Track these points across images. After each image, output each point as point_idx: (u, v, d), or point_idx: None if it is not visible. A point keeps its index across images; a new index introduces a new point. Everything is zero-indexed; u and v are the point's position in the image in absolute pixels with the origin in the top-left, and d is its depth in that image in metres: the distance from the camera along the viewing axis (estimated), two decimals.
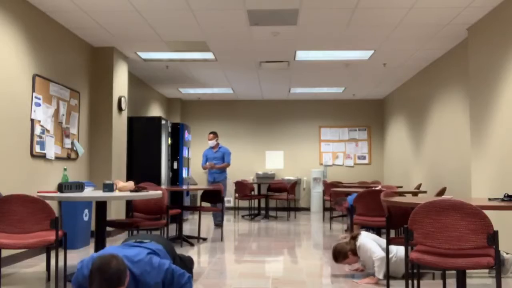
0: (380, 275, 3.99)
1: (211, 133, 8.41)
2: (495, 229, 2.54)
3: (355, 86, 10.11)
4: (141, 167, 8.06)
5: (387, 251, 3.76)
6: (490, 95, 5.36)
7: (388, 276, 3.71)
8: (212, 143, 8.34)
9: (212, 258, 5.20)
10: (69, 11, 5.44)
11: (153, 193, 4.21)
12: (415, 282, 3.52)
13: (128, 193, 4.11)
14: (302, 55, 7.40)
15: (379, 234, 5.46)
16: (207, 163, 8.32)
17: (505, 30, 5.01)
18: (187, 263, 3.90)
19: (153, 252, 3.10)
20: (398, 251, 4.13)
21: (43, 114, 5.42)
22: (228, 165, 8.35)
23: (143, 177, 7.73)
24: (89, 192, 4.38)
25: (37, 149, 5.27)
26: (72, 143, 6.19)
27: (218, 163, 8.27)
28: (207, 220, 9.33)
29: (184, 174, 9.47)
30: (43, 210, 3.46)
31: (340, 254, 4.25)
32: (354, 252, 4.21)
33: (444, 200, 2.66)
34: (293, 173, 11.87)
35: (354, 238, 4.26)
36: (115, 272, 2.55)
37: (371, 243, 4.12)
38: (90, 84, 6.84)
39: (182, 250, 5.69)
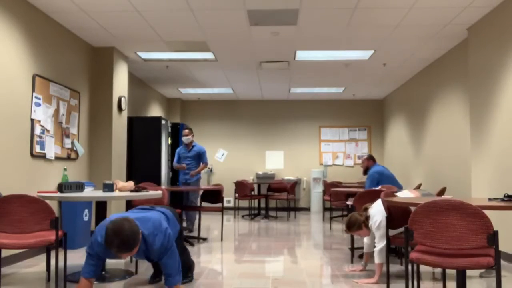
0: (378, 260, 4.00)
1: (187, 128, 7.53)
2: (495, 229, 2.54)
3: (355, 86, 10.11)
4: (141, 167, 8.07)
5: (388, 247, 3.76)
6: (490, 95, 5.36)
7: (388, 276, 3.71)
8: (186, 139, 7.40)
9: (212, 258, 5.20)
10: (69, 11, 5.44)
11: (153, 193, 4.21)
12: (415, 282, 3.52)
13: (128, 193, 4.11)
14: (302, 55, 7.40)
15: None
16: (182, 164, 7.43)
17: (505, 30, 5.01)
18: (188, 256, 3.91)
19: (163, 214, 3.27)
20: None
21: (43, 114, 5.42)
22: (206, 166, 7.54)
23: (143, 177, 7.73)
24: (89, 192, 4.38)
25: (37, 149, 5.27)
26: (72, 143, 6.19)
27: (190, 163, 7.42)
28: (207, 220, 9.33)
29: None
30: (43, 210, 3.46)
31: (355, 224, 4.25)
32: (367, 224, 4.20)
33: (444, 200, 2.66)
34: (293, 173, 11.87)
35: (366, 210, 4.23)
36: (130, 233, 2.71)
37: (380, 228, 4.04)
38: (90, 84, 6.84)
39: None
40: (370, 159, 6.84)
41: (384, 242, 3.94)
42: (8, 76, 4.79)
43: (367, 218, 4.18)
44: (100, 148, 6.86)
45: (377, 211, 4.09)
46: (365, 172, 6.82)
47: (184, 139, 7.45)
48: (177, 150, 7.67)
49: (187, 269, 3.88)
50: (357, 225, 4.24)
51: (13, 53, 4.88)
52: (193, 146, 7.51)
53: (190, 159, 7.45)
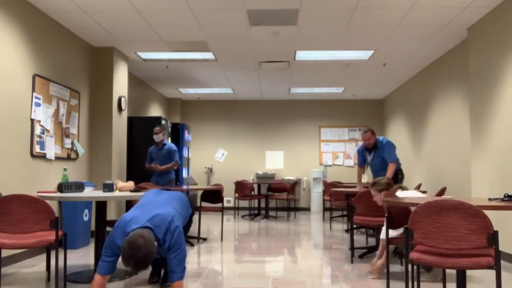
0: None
1: (158, 126, 7.17)
2: (495, 229, 2.54)
3: (355, 86, 10.11)
4: (141, 167, 8.06)
5: (388, 248, 3.76)
6: (490, 95, 5.36)
7: (388, 276, 3.71)
8: (157, 137, 7.01)
9: (212, 258, 5.20)
10: (69, 11, 5.44)
11: None
12: (415, 282, 3.52)
13: (128, 193, 4.11)
14: (302, 55, 7.40)
15: (378, 233, 5.47)
16: (152, 164, 7.07)
17: (505, 30, 5.01)
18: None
19: (178, 202, 3.49)
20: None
21: (43, 114, 5.42)
22: (177, 164, 7.10)
23: (143, 177, 7.73)
24: (89, 192, 4.38)
25: (37, 149, 5.27)
26: (72, 143, 6.19)
27: (162, 163, 7.04)
28: (207, 220, 9.34)
29: (184, 174, 9.48)
30: (43, 210, 3.46)
31: (383, 186, 4.33)
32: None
33: (444, 200, 2.66)
34: (293, 173, 11.87)
35: (400, 188, 4.27)
36: (145, 254, 2.81)
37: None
38: (90, 84, 6.84)
39: None
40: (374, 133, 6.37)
41: (400, 231, 3.96)
42: (8, 76, 4.79)
43: (385, 191, 4.25)
44: (100, 148, 6.86)
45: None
46: (375, 146, 6.40)
47: (154, 137, 7.06)
48: (149, 149, 7.27)
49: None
50: (384, 187, 4.30)
51: (13, 53, 4.88)
52: (163, 144, 7.11)
53: (160, 159, 7.06)
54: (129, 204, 5.44)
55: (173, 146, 7.16)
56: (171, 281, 3.04)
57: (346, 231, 7.64)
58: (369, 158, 6.40)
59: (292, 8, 5.34)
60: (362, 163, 6.57)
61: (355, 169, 11.72)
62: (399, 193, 4.18)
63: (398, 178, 6.40)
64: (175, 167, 7.17)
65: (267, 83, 9.77)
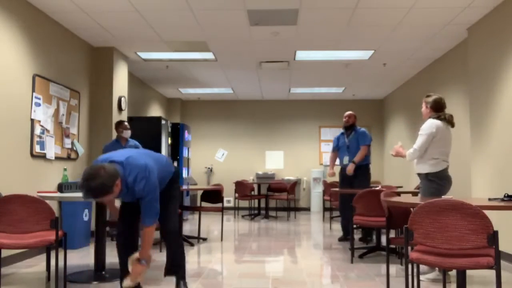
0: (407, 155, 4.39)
1: (126, 121, 6.44)
2: (495, 229, 2.54)
3: (355, 86, 10.11)
4: None
5: (388, 247, 3.75)
6: (490, 95, 5.36)
7: (388, 276, 3.71)
8: (128, 133, 6.36)
9: (212, 258, 5.20)
10: (69, 11, 5.44)
11: None
12: (415, 281, 3.52)
13: None
14: (302, 55, 7.40)
15: (379, 234, 5.48)
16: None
17: (505, 30, 5.01)
18: (182, 254, 3.69)
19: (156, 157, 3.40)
20: None
21: (43, 114, 5.42)
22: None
23: None
24: None
25: (37, 149, 5.27)
26: (72, 143, 6.19)
27: None
28: (207, 220, 9.34)
29: (184, 174, 9.47)
30: (43, 210, 3.46)
31: (430, 98, 4.53)
32: (431, 116, 4.48)
33: (444, 200, 2.66)
34: (293, 173, 11.87)
35: (440, 116, 4.45)
36: (99, 184, 2.84)
37: (424, 136, 4.37)
38: (90, 84, 6.84)
39: None
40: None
41: (415, 154, 4.34)
42: (8, 76, 4.79)
43: (430, 109, 4.51)
44: (100, 148, 6.85)
45: (428, 126, 4.34)
46: (352, 128, 6.64)
47: (127, 133, 6.38)
48: (107, 146, 6.35)
49: (178, 266, 3.67)
50: (432, 103, 4.54)
51: (13, 53, 4.88)
52: (128, 141, 6.45)
53: None
54: None
55: (137, 143, 6.55)
56: (142, 223, 3.17)
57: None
58: (346, 140, 6.64)
59: (292, 8, 5.35)
60: (335, 148, 6.85)
61: None
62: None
63: (369, 172, 6.83)
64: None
65: (267, 83, 9.77)
